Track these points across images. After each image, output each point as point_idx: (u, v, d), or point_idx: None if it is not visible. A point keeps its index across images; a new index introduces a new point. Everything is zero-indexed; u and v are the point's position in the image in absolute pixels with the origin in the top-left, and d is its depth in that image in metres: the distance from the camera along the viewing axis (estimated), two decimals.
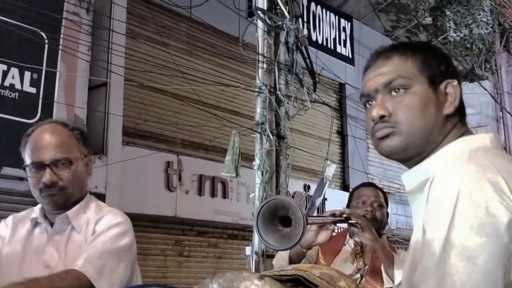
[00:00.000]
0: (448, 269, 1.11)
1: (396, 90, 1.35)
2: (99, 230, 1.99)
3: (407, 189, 1.38)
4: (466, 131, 1.37)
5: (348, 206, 3.16)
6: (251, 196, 5.89)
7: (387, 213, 3.21)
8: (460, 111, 1.37)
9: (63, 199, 2.03)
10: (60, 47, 6.46)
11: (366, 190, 3.21)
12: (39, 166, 2.00)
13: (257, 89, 5.75)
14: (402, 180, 1.39)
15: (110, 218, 2.02)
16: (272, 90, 5.78)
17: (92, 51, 7.04)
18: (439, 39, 13.07)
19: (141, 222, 7.10)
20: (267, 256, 5.44)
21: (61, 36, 6.45)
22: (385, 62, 1.38)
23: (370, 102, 1.40)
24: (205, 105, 8.55)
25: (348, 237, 3.18)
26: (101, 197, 7.05)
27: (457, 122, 1.36)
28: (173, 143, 8.47)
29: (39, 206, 2.10)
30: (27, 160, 2.04)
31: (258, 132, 5.70)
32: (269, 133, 5.66)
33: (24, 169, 2.06)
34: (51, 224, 2.06)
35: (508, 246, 1.11)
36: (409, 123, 1.32)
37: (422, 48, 1.41)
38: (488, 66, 13.77)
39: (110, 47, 6.50)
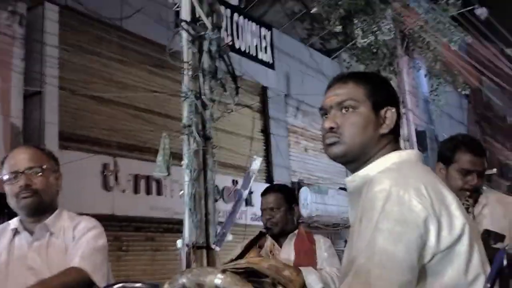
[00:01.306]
0: (376, 249, 1.32)
1: (346, 109, 1.55)
2: (79, 233, 2.13)
3: (348, 190, 1.59)
4: (397, 148, 1.58)
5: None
6: (180, 193, 5.85)
7: (292, 208, 3.24)
8: (394, 131, 1.58)
9: (36, 203, 2.13)
10: None
11: (263, 199, 3.26)
12: (16, 175, 2.14)
13: (183, 94, 5.70)
14: (346, 182, 1.60)
15: (86, 223, 2.18)
16: (197, 95, 5.75)
17: (26, 61, 6.78)
18: (348, 45, 13.39)
19: None
20: (197, 247, 5.43)
21: None
22: (342, 86, 1.59)
23: (325, 116, 1.60)
24: (138, 110, 8.42)
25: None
26: None
27: (391, 140, 1.57)
28: (109, 146, 8.27)
29: (17, 218, 2.22)
30: (5, 173, 2.18)
31: (186, 134, 5.67)
32: (196, 135, 5.63)
33: (3, 183, 2.19)
34: (31, 233, 2.17)
35: (422, 236, 1.34)
36: (351, 137, 1.53)
37: (372, 79, 1.62)
38: (391, 69, 14.17)
39: (42, 58, 6.27)
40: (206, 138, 5.77)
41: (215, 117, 5.90)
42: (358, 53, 13.43)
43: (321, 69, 11.86)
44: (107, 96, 7.68)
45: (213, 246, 5.55)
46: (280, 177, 11.44)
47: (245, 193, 6.11)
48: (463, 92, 16.51)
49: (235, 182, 9.92)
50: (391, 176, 1.42)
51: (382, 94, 1.58)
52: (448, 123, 18.08)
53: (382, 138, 1.55)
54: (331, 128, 1.55)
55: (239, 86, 5.98)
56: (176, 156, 6.82)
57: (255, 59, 11.11)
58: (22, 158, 2.17)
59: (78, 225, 2.16)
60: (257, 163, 6.32)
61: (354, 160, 1.56)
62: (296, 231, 3.20)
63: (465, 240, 1.39)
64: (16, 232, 2.19)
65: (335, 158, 1.59)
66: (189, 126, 5.60)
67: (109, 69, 8.05)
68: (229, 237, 5.81)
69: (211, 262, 5.45)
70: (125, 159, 8.22)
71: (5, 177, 2.17)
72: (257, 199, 10.31)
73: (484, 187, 2.65)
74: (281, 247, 3.15)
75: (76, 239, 2.12)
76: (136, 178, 8.28)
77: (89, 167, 7.35)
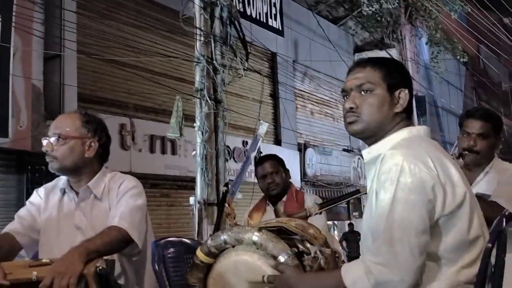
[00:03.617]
0: (396, 217, 1.46)
1: (364, 91, 1.65)
2: (120, 194, 2.10)
3: (365, 160, 1.69)
4: (409, 124, 1.67)
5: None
6: (193, 153, 5.72)
7: (286, 171, 3.40)
8: (407, 110, 1.67)
9: (55, 168, 2.11)
10: (14, 24, 5.95)
11: (260, 167, 3.37)
12: (45, 139, 2.14)
13: (195, 59, 5.49)
14: (363, 154, 1.70)
15: (126, 183, 2.13)
16: (209, 60, 5.54)
17: (45, 26, 6.55)
18: (354, 13, 12.99)
19: None
20: (208, 204, 5.33)
21: (14, 14, 5.93)
22: (360, 70, 1.68)
23: (346, 96, 1.69)
24: (152, 73, 8.21)
25: (267, 201, 3.34)
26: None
27: (404, 117, 1.66)
28: (126, 108, 8.11)
29: (65, 177, 2.19)
30: None
31: (198, 98, 5.49)
32: (207, 98, 5.46)
33: None
34: (76, 194, 2.16)
35: (431, 201, 1.48)
36: (369, 115, 1.63)
37: (388, 63, 1.71)
38: (394, 36, 13.84)
39: (61, 23, 6.05)
40: (217, 102, 5.61)
41: (226, 82, 5.70)
42: (363, 21, 13.04)
43: (327, 36, 11.51)
44: (123, 60, 7.46)
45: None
46: (287, 139, 11.29)
47: (253, 154, 5.98)
48: (462, 60, 16.12)
49: (245, 143, 9.78)
50: (402, 152, 1.52)
51: (396, 77, 1.66)
52: (446, 89, 17.71)
53: (396, 116, 1.64)
54: (351, 108, 1.65)
55: (249, 51, 5.75)
56: (189, 118, 6.66)
57: (265, 25, 10.78)
58: (53, 124, 2.16)
59: (120, 186, 2.13)
60: (263, 127, 6.19)
61: (371, 136, 1.66)
62: (286, 197, 3.31)
63: (466, 206, 1.52)
64: (64, 191, 2.18)
65: (355, 134, 1.69)
66: (201, 90, 5.42)
67: (125, 33, 7.80)
68: (239, 195, 5.71)
69: (221, 218, 5.37)
70: (141, 120, 8.08)
71: (43, 138, 2.17)
72: None
73: (495, 157, 2.68)
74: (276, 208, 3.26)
75: (117, 200, 2.10)
76: (152, 138, 8.15)
77: (107, 127, 7.18)
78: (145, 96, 8.33)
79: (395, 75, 1.66)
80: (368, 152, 1.67)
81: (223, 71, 5.63)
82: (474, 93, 19.50)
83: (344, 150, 13.24)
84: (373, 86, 1.63)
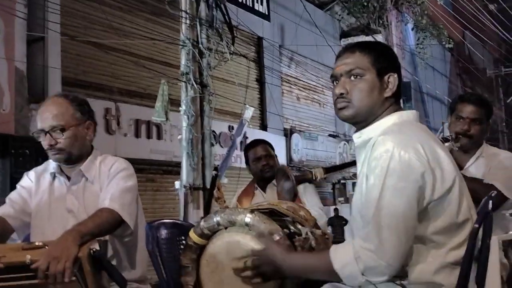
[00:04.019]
0: (385, 203, 1.48)
1: (354, 76, 1.64)
2: (111, 176, 2.10)
3: (356, 144, 1.70)
4: (399, 108, 1.68)
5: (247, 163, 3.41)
6: (179, 137, 5.68)
7: (276, 156, 3.43)
8: (396, 95, 1.67)
9: (63, 159, 2.11)
10: None
11: (253, 151, 3.38)
12: (42, 133, 2.10)
13: (181, 43, 5.43)
14: (353, 138, 1.71)
15: (117, 165, 2.13)
16: (195, 43, 5.47)
17: (29, 7, 6.41)
18: None
19: None
20: (194, 188, 5.31)
21: None
22: (349, 55, 1.66)
23: (336, 82, 1.68)
24: (138, 57, 8.10)
25: (256, 185, 3.35)
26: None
27: (393, 102, 1.67)
28: (111, 92, 8.00)
29: (54, 162, 2.19)
30: (36, 127, 2.16)
31: (183, 81, 5.43)
32: (193, 82, 5.40)
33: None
34: (68, 177, 2.16)
35: (421, 187, 1.49)
36: (359, 101, 1.63)
37: (377, 47, 1.71)
38: (380, 22, 13.80)
39: (45, 4, 5.92)
40: (203, 86, 5.56)
41: (212, 66, 5.65)
42: (350, 6, 12.99)
43: (314, 21, 11.45)
44: (108, 43, 7.35)
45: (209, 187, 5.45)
46: (273, 124, 11.27)
47: (238, 139, 5.96)
48: (447, 46, 16.17)
49: (231, 128, 9.74)
50: (393, 138, 1.53)
51: (385, 62, 1.66)
52: (431, 75, 17.79)
53: (386, 101, 1.65)
54: (341, 94, 1.64)
55: (235, 35, 5.69)
56: (175, 103, 6.59)
57: (251, 10, 10.68)
58: (46, 117, 2.09)
59: (110, 168, 2.12)
60: (249, 112, 6.16)
61: (362, 121, 1.66)
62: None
63: (455, 190, 1.54)
64: (55, 176, 2.17)
65: (346, 120, 1.69)
66: (187, 73, 5.36)
67: (110, 16, 7.67)
68: (225, 180, 5.70)
69: (207, 202, 5.36)
70: (126, 105, 7.98)
71: (36, 129, 2.14)
72: None
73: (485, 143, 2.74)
74: (265, 192, 3.29)
75: (108, 181, 2.10)
76: (137, 122, 8.07)
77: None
78: (130, 80, 8.22)
79: (384, 59, 1.66)
80: (359, 136, 1.67)
81: (209, 55, 5.57)
82: (459, 79, 19.63)
83: (330, 135, 13.27)
84: (363, 71, 1.62)
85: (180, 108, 5.49)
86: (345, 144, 13.34)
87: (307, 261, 1.63)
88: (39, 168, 2.23)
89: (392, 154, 1.49)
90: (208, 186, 5.41)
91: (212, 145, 5.95)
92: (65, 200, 2.12)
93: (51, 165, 2.19)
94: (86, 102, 2.20)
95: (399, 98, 1.70)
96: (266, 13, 11.17)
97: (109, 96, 7.83)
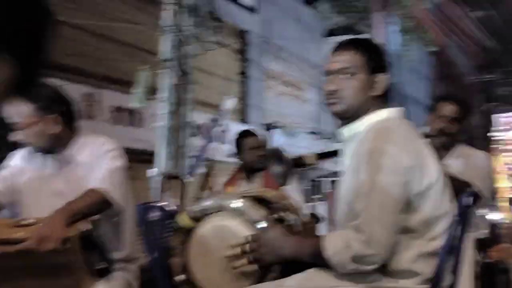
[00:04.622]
0: (375, 196, 1.55)
1: (347, 74, 1.69)
2: (99, 157, 2.11)
3: (342, 139, 1.76)
4: (386, 107, 1.74)
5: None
6: (155, 124, 5.58)
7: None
8: (385, 93, 1.74)
9: (34, 149, 2.16)
10: None
11: (250, 140, 3.36)
12: (13, 124, 2.14)
13: (163, 28, 5.32)
14: (341, 132, 1.76)
15: (106, 146, 2.15)
16: (177, 30, 5.37)
17: None
18: None
19: None
20: (170, 177, 5.23)
21: None
22: (343, 53, 1.72)
23: (328, 77, 1.74)
24: (120, 43, 7.95)
25: (245, 175, 3.35)
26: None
27: (382, 100, 1.73)
28: (91, 77, 7.84)
29: None
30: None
31: (165, 68, 5.33)
32: (175, 69, 5.30)
33: None
34: (56, 160, 2.18)
35: (409, 182, 1.57)
36: (350, 98, 1.70)
37: (370, 46, 1.77)
38: (366, 23, 13.81)
39: None
40: (184, 73, 5.46)
41: (194, 53, 5.55)
42: (336, 5, 12.97)
43: (300, 17, 11.41)
44: (91, 27, 7.19)
45: (186, 177, 5.36)
46: (254, 119, 11.20)
47: (216, 130, 5.88)
48: (431, 49, 16.28)
49: (213, 120, 9.63)
50: (381, 133, 1.61)
51: (378, 61, 1.73)
52: (415, 78, 17.89)
53: (375, 99, 1.72)
54: (333, 90, 1.71)
55: (221, 21, 5.61)
56: (155, 89, 6.48)
57: (237, 2, 10.59)
58: (13, 112, 2.12)
59: (99, 148, 2.15)
60: (230, 103, 6.08)
61: (351, 117, 1.72)
62: (262, 172, 3.37)
63: (438, 184, 1.63)
64: (42, 158, 2.19)
65: (336, 115, 1.75)
66: (168, 60, 5.26)
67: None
68: (202, 169, 5.62)
69: (183, 192, 5.28)
70: (106, 91, 7.83)
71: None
72: (232, 138, 10.11)
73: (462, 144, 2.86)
74: (251, 182, 3.31)
75: (97, 162, 2.11)
76: (117, 109, 7.92)
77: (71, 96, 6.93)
78: (111, 65, 8.06)
79: (377, 59, 1.73)
80: (346, 131, 1.74)
81: (192, 42, 5.48)
82: (440, 83, 19.79)
83: (311, 132, 13.26)
84: (356, 70, 1.69)
85: (160, 95, 5.38)
86: (326, 141, 13.34)
87: (302, 244, 1.68)
88: (29, 148, 2.23)
89: (382, 149, 1.57)
90: (184, 176, 5.34)
91: (194, 135, 5.87)
92: (54, 181, 2.14)
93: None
94: (49, 95, 2.16)
95: (387, 97, 1.76)
96: (253, 6, 11.10)
97: (88, 81, 7.68)
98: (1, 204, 2.14)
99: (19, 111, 2.11)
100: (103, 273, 1.92)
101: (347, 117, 1.73)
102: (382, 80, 1.72)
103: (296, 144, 12.46)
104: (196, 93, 5.93)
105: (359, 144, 1.63)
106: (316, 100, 13.71)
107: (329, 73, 1.74)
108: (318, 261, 1.61)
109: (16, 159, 2.24)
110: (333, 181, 13.43)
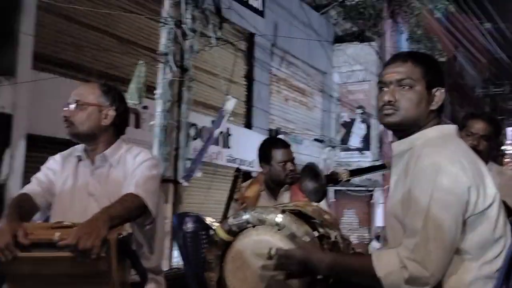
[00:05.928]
0: (432, 216, 1.51)
1: (404, 86, 1.66)
2: (136, 164, 2.11)
3: (394, 153, 1.71)
4: (441, 122, 1.70)
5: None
6: (151, 123, 5.13)
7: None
8: (441, 108, 1.69)
9: (72, 132, 2.14)
10: None
11: (284, 151, 3.10)
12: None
13: (162, 20, 4.88)
14: (392, 146, 1.72)
15: (143, 155, 2.16)
16: (178, 23, 4.93)
17: None
18: (337, 2, 12.55)
19: (52, 145, 6.14)
20: (163, 180, 4.77)
21: None
22: (401, 64, 1.68)
23: (384, 88, 1.69)
24: (121, 40, 7.57)
25: (262, 186, 3.11)
26: (8, 118, 6.04)
27: (437, 115, 1.70)
28: (89, 74, 7.42)
29: (82, 145, 2.21)
30: None
31: (162, 62, 4.88)
32: (172, 64, 4.86)
33: None
34: (92, 161, 2.18)
35: (467, 201, 1.53)
36: (407, 110, 1.65)
37: (428, 60, 1.72)
38: (375, 30, 13.50)
39: None
40: (183, 69, 5.01)
41: (196, 49, 5.11)
42: (346, 11, 12.59)
43: (308, 23, 10.98)
44: (87, 21, 6.79)
45: (180, 181, 4.89)
46: (258, 123, 10.76)
47: (216, 132, 5.42)
48: (440, 59, 15.85)
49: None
50: (439, 151, 1.56)
51: (435, 75, 1.68)
52: None
53: (431, 113, 1.67)
54: (390, 101, 1.66)
55: (223, 18, 5.16)
56: (153, 88, 6.04)
57: (245, 4, 10.18)
58: (73, 92, 2.18)
59: (136, 157, 2.15)
60: (231, 103, 5.63)
61: (406, 130, 1.68)
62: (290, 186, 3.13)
63: (495, 207, 1.57)
64: (80, 159, 2.21)
65: (389, 126, 1.71)
66: (166, 54, 4.81)
67: None
68: (198, 173, 5.16)
69: (177, 196, 4.82)
70: None
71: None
72: (234, 142, 9.63)
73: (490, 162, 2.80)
74: (275, 197, 3.10)
75: (133, 169, 2.11)
76: None
77: (65, 91, 6.50)
78: (111, 63, 7.66)
79: (434, 73, 1.69)
80: (399, 145, 1.70)
81: (193, 37, 5.03)
82: (449, 95, 19.37)
83: (315, 140, 12.83)
84: (414, 82, 1.65)
85: (155, 92, 4.94)
86: (330, 150, 12.89)
87: (347, 263, 1.64)
88: (66, 151, 2.27)
89: (440, 167, 1.52)
90: (179, 179, 4.89)
91: (194, 138, 5.43)
92: (88, 184, 2.15)
93: (77, 149, 2.24)
94: (117, 92, 2.25)
95: (442, 112, 1.72)
96: (261, 8, 10.70)
97: (87, 78, 7.25)
98: (38, 207, 2.12)
99: (85, 90, 2.17)
100: (139, 286, 1.91)
101: (401, 129, 1.69)
102: (439, 94, 1.68)
103: (301, 151, 12.00)
104: (199, 94, 5.49)
105: (416, 159, 1.58)
106: (322, 107, 13.27)
107: (385, 83, 1.69)
108: (366, 280, 1.56)
109: (54, 162, 2.25)
110: (336, 191, 12.98)
